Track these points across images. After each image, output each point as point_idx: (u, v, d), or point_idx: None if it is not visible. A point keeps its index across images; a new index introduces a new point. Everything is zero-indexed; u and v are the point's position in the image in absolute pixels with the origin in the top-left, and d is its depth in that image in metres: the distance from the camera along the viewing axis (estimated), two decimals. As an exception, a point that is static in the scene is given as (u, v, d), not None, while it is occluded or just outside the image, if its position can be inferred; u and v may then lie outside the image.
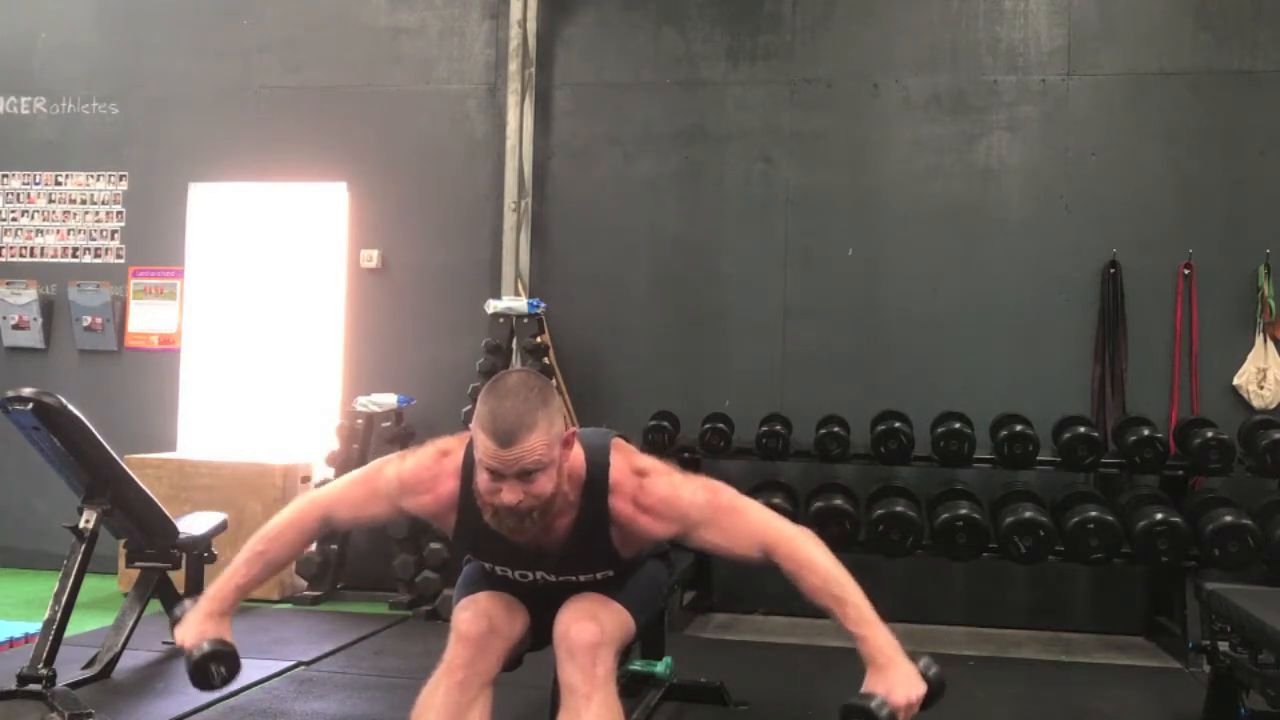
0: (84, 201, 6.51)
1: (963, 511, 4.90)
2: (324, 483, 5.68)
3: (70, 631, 3.82)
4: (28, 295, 6.44)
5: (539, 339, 5.70)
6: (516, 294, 5.88)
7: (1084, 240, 5.62)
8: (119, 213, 6.47)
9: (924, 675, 2.17)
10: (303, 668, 4.31)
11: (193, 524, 4.50)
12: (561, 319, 5.99)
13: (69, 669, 3.84)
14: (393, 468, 2.53)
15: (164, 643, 4.50)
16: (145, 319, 6.39)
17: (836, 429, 5.32)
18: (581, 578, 2.56)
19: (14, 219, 6.58)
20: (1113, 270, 5.57)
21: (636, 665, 3.46)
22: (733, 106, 5.96)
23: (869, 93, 5.86)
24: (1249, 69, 5.56)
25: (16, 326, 6.45)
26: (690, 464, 5.49)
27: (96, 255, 6.48)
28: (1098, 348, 5.58)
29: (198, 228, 6.41)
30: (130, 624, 4.15)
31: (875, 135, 5.85)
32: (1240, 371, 5.47)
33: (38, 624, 3.77)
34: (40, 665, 3.53)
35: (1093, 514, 4.81)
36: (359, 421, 5.79)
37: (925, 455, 5.28)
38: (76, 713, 3.41)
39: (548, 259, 6.08)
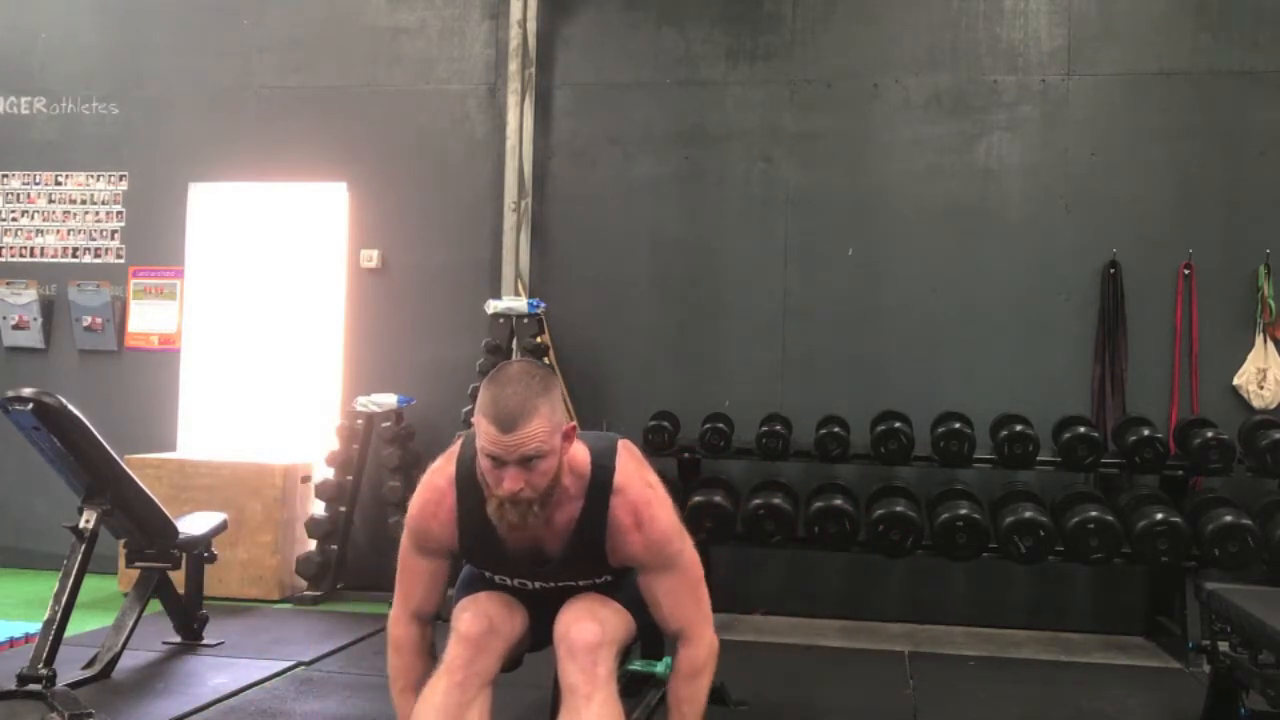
0: (84, 201, 6.51)
1: (963, 511, 4.90)
2: (324, 483, 5.72)
3: (70, 631, 3.82)
4: (28, 295, 6.44)
5: (539, 339, 5.70)
6: (516, 294, 5.88)
7: (1084, 240, 5.62)
8: (119, 213, 6.47)
9: None
10: (303, 668, 4.31)
11: (193, 524, 4.50)
12: (561, 319, 5.99)
13: (69, 669, 3.84)
14: (404, 529, 2.58)
15: (164, 642, 4.50)
16: (145, 319, 6.39)
17: (836, 429, 5.31)
18: (580, 583, 2.57)
19: (14, 219, 6.58)
20: (1113, 270, 5.57)
21: (636, 665, 3.46)
22: (733, 106, 5.96)
23: (869, 93, 5.86)
24: (1249, 69, 5.56)
25: (16, 326, 6.45)
26: (690, 464, 5.50)
27: (96, 255, 6.48)
28: (1098, 348, 5.59)
29: (198, 228, 6.41)
30: (130, 624, 4.15)
31: (875, 135, 5.85)
32: (1240, 371, 5.48)
33: (38, 624, 3.77)
34: (40, 665, 3.53)
35: (1093, 514, 4.81)
36: (359, 421, 5.79)
37: (925, 455, 5.28)
38: (76, 713, 3.41)
39: (548, 259, 6.08)
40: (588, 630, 2.42)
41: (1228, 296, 5.52)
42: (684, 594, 2.51)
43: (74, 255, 6.50)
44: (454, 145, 6.18)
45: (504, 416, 2.23)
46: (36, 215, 6.55)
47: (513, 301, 5.68)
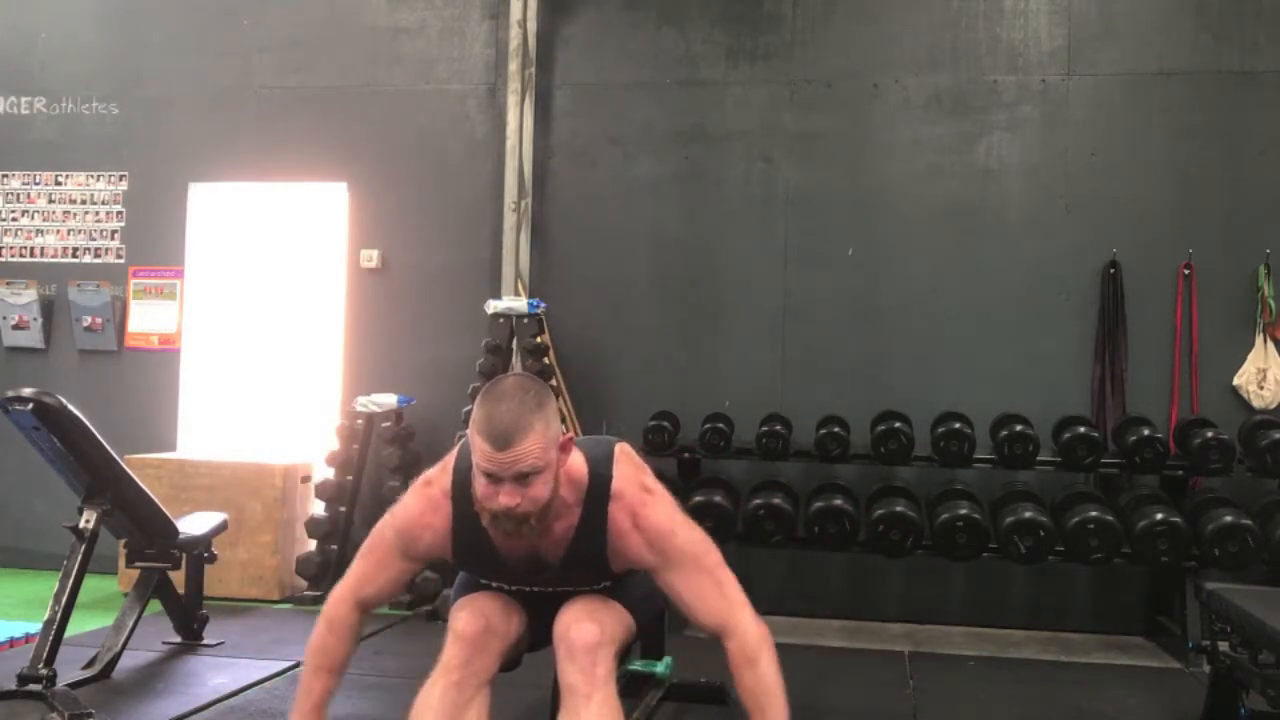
0: (84, 201, 6.51)
1: (963, 511, 4.90)
2: (324, 483, 5.72)
3: (70, 631, 3.82)
4: (28, 295, 6.44)
5: (539, 339, 5.70)
6: (516, 294, 5.88)
7: (1084, 240, 5.62)
8: (119, 213, 6.47)
9: None
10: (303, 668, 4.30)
11: (193, 524, 4.50)
12: (561, 319, 5.99)
13: (69, 669, 3.84)
14: (389, 525, 2.54)
15: (164, 642, 4.50)
16: (145, 319, 6.39)
17: (836, 429, 5.31)
18: (579, 588, 2.56)
19: (14, 219, 6.58)
20: (1113, 270, 5.57)
21: (636, 665, 3.46)
22: (733, 106, 5.96)
23: (869, 93, 5.86)
24: (1249, 69, 5.56)
25: (16, 326, 6.45)
26: (690, 464, 5.49)
27: (96, 255, 6.48)
28: (1098, 348, 5.58)
29: (198, 228, 6.41)
30: (130, 624, 4.15)
31: (875, 135, 5.85)
32: (1240, 371, 5.47)
33: (38, 624, 3.77)
34: (40, 665, 3.53)
35: (1093, 514, 4.81)
36: (359, 421, 5.79)
37: (925, 455, 5.28)
38: (76, 713, 3.41)
39: (548, 259, 6.08)
40: (587, 630, 2.41)
41: (1228, 296, 5.52)
42: (705, 585, 2.41)
43: (74, 255, 6.50)
44: (454, 145, 6.18)
45: (498, 434, 2.21)
46: (36, 215, 6.56)
47: (513, 301, 5.68)
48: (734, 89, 5.97)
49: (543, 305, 5.81)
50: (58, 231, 6.53)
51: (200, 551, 4.49)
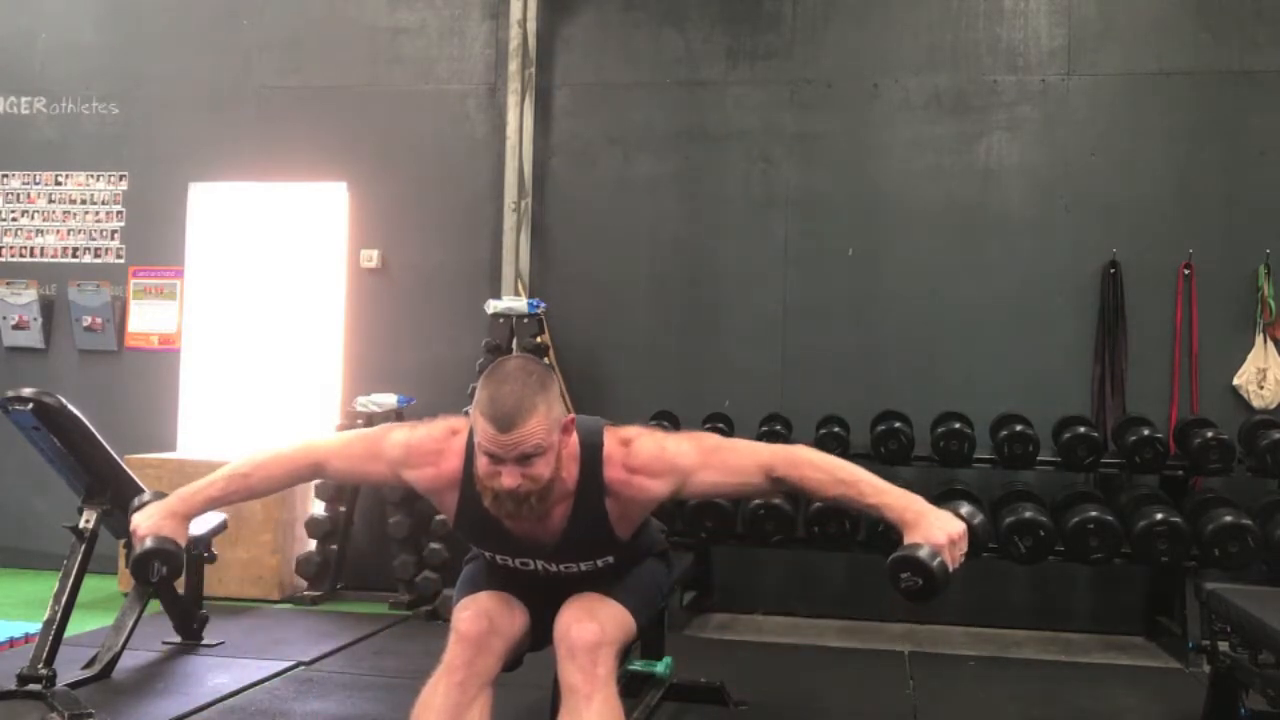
0: (84, 201, 6.51)
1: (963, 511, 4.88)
2: (324, 483, 5.72)
3: (70, 631, 3.82)
4: (28, 295, 6.44)
5: (539, 339, 5.70)
6: (516, 294, 5.88)
7: (1084, 240, 5.62)
8: (119, 213, 6.47)
9: (958, 515, 2.18)
10: (303, 668, 4.31)
11: (193, 524, 4.48)
12: (561, 319, 5.99)
13: (69, 669, 3.84)
14: (401, 434, 2.53)
15: (164, 642, 4.50)
16: (145, 319, 6.39)
17: (836, 429, 5.32)
18: (582, 565, 2.56)
19: (14, 219, 6.58)
20: (1113, 270, 5.57)
21: (636, 665, 3.46)
22: (733, 106, 5.96)
23: (869, 93, 5.86)
24: (1249, 69, 5.56)
25: (16, 326, 6.45)
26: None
27: (96, 255, 6.48)
28: (1098, 348, 5.59)
29: (198, 228, 6.41)
30: (130, 624, 4.15)
31: (875, 135, 5.85)
32: (1240, 371, 5.47)
33: (38, 624, 3.77)
34: (40, 665, 3.53)
35: (1093, 514, 4.81)
36: (359, 421, 5.78)
37: (925, 455, 5.28)
38: (76, 713, 3.41)
39: (548, 259, 6.08)
40: (587, 630, 2.41)
41: (1228, 296, 5.52)
42: (723, 462, 2.45)
43: (74, 255, 6.50)
44: (454, 145, 6.18)
45: (501, 415, 2.22)
46: (36, 215, 6.56)
47: (513, 301, 5.68)
48: (734, 89, 5.97)
49: (543, 305, 5.81)
50: (58, 231, 6.53)
51: (200, 551, 4.49)
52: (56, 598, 3.69)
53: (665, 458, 2.44)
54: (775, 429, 5.32)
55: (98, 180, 6.50)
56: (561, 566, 2.55)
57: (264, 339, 6.32)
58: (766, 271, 5.87)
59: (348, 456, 2.55)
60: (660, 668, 3.52)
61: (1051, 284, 5.65)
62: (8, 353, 6.48)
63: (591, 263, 6.03)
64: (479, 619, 2.48)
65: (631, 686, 3.37)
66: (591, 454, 2.44)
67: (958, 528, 2.18)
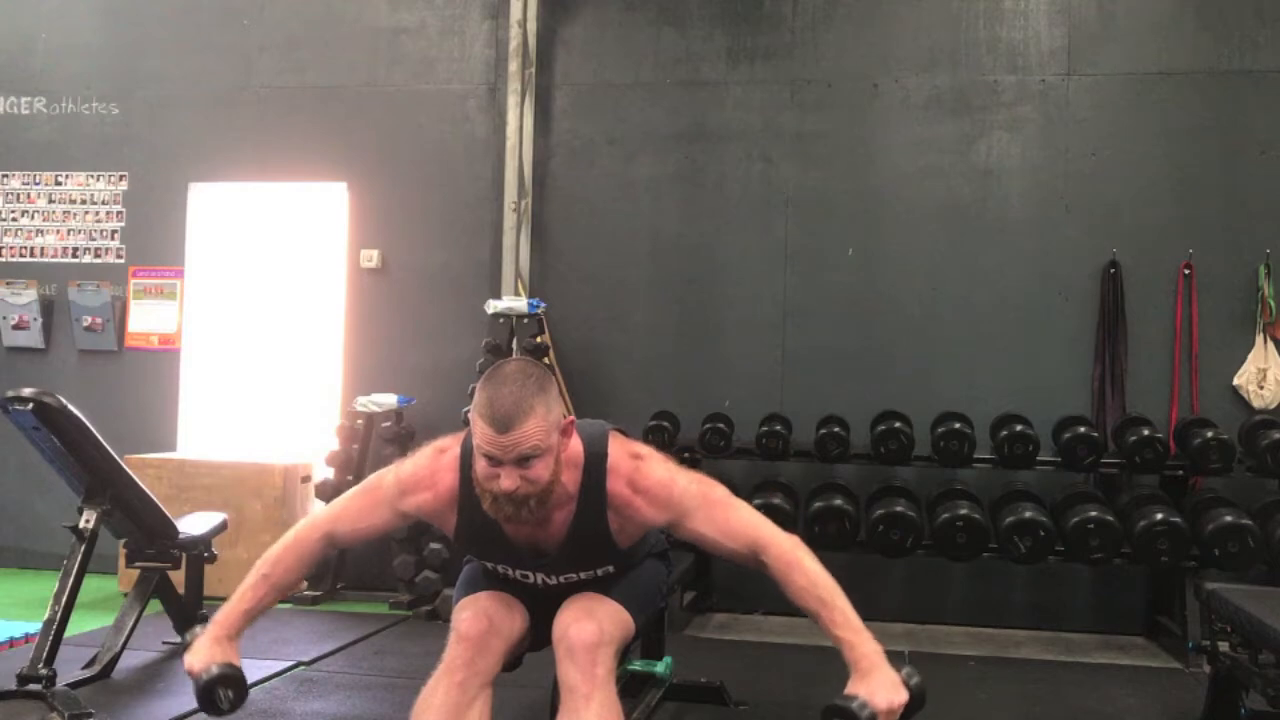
0: (84, 201, 6.51)
1: (963, 511, 4.90)
2: (324, 483, 5.72)
3: (70, 631, 3.82)
4: (28, 295, 6.44)
5: (539, 339, 5.70)
6: (516, 294, 5.88)
7: (1084, 240, 5.62)
8: (119, 213, 6.47)
9: (906, 684, 2.17)
10: (303, 668, 4.31)
11: (193, 524, 4.49)
12: (561, 319, 5.99)
13: (69, 669, 3.84)
14: (390, 474, 2.53)
15: (164, 642, 4.50)
16: (145, 319, 6.39)
17: (836, 429, 5.32)
18: (582, 575, 2.55)
19: (14, 219, 6.58)
20: (1113, 270, 5.57)
21: (636, 665, 3.46)
22: (733, 106, 5.96)
23: (869, 93, 5.86)
24: (1249, 69, 5.56)
25: (16, 326, 6.45)
26: (690, 464, 5.48)
27: (96, 255, 6.48)
28: (1098, 348, 5.58)
29: (198, 228, 6.41)
30: (130, 624, 4.15)
31: (875, 135, 5.85)
32: (1240, 371, 5.48)
33: (38, 624, 3.77)
34: (40, 665, 3.53)
35: (1093, 514, 4.81)
36: (359, 421, 5.79)
37: (925, 455, 5.28)
38: (76, 713, 3.41)
39: (548, 259, 6.08)
40: (586, 630, 2.41)
41: (1228, 296, 5.52)
42: (722, 519, 2.43)
43: (74, 255, 6.50)
44: (454, 145, 6.18)
45: (500, 416, 2.22)
46: (36, 215, 6.56)
47: (513, 301, 5.67)
48: (734, 89, 5.97)
49: (543, 305, 5.81)
50: (58, 231, 6.53)
51: (200, 551, 4.49)
52: (56, 598, 3.68)
53: (672, 492, 2.42)
54: (775, 429, 5.32)
55: (98, 180, 6.50)
56: (562, 578, 2.55)
57: (264, 339, 6.32)
58: (766, 271, 5.87)
59: (350, 516, 2.54)
60: (660, 668, 3.52)
61: (1051, 284, 5.65)
62: (8, 353, 6.48)
63: (591, 263, 6.03)
64: (479, 619, 2.48)
65: (631, 686, 3.38)
66: (595, 463, 2.43)
67: (899, 699, 2.14)
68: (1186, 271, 5.54)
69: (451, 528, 2.52)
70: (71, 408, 3.73)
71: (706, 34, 6.00)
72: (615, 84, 6.07)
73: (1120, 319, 5.55)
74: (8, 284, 6.47)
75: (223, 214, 6.41)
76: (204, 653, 2.38)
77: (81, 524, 3.82)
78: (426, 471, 2.48)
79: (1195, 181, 5.57)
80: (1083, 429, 5.16)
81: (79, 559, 3.75)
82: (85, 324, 6.40)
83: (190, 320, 6.38)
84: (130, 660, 4.18)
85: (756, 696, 3.99)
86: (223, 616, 2.45)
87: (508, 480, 2.24)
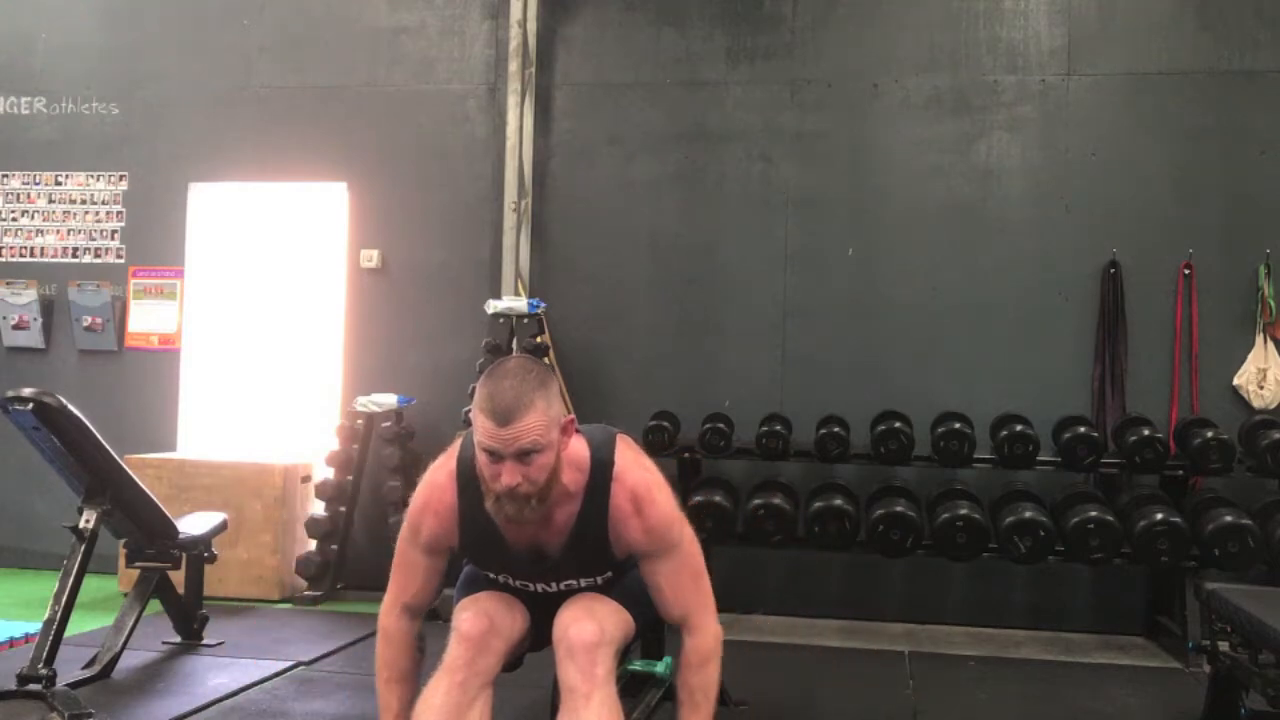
0: (84, 201, 6.51)
1: (963, 511, 4.89)
2: (324, 483, 5.72)
3: (70, 631, 3.82)
4: (28, 295, 6.44)
5: (539, 339, 5.70)
6: (516, 294, 5.88)
7: (1084, 240, 5.62)
8: (119, 213, 6.47)
9: None
10: (303, 668, 4.31)
11: (193, 524, 4.50)
12: (561, 319, 5.99)
13: (69, 669, 3.85)
14: (404, 523, 2.57)
15: (164, 642, 4.50)
16: (145, 319, 6.39)
17: (836, 429, 5.31)
18: (582, 582, 2.56)
19: (14, 219, 6.58)
20: (1113, 270, 5.57)
21: (636, 665, 3.46)
22: (733, 106, 5.96)
23: (869, 93, 5.86)
24: (1249, 69, 5.56)
25: (16, 326, 6.45)
26: (690, 464, 5.49)
27: (96, 255, 6.48)
28: (1098, 348, 5.58)
29: (198, 228, 6.41)
30: (130, 624, 4.15)
31: (875, 135, 5.85)
32: (1240, 371, 5.48)
33: (38, 624, 3.77)
34: (40, 665, 3.53)
35: (1093, 514, 4.81)
36: (359, 421, 5.79)
37: (925, 455, 5.27)
38: (76, 713, 3.41)
39: (548, 259, 6.08)
40: (586, 630, 2.42)
41: (1228, 296, 5.52)
42: (685, 580, 2.50)
43: (74, 255, 6.50)
44: (454, 145, 6.18)
45: (500, 410, 2.23)
46: (36, 215, 6.55)
47: (513, 301, 5.68)
48: (734, 89, 5.97)
49: (543, 305, 5.81)
50: (58, 231, 6.53)
51: (200, 551, 4.49)
52: (56, 598, 3.68)
53: (669, 533, 2.48)
54: (775, 429, 5.32)
55: (98, 180, 6.50)
56: (562, 584, 2.56)
57: (264, 339, 6.32)
58: (766, 271, 5.87)
59: (403, 583, 2.57)
60: (660, 668, 3.51)
61: (1051, 284, 5.65)
62: (8, 353, 6.48)
63: (591, 263, 6.03)
64: (479, 619, 2.49)
65: (631, 686, 3.37)
66: (601, 465, 2.44)
67: None
68: (1186, 271, 5.54)
69: (454, 534, 2.53)
70: (71, 408, 3.73)
71: (706, 34, 6.00)
72: (615, 84, 6.07)
73: (1120, 319, 5.55)
74: (8, 284, 6.47)
75: (223, 214, 6.41)
76: None
77: (81, 524, 3.82)
78: (424, 498, 2.51)
79: (1195, 181, 5.57)
80: (1083, 429, 5.16)
81: (79, 559, 3.75)
82: (85, 324, 6.40)
83: (190, 320, 6.38)
84: (130, 660, 4.18)
85: (756, 696, 3.99)
86: None
87: (509, 475, 2.25)
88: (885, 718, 3.94)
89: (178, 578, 4.48)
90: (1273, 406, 5.41)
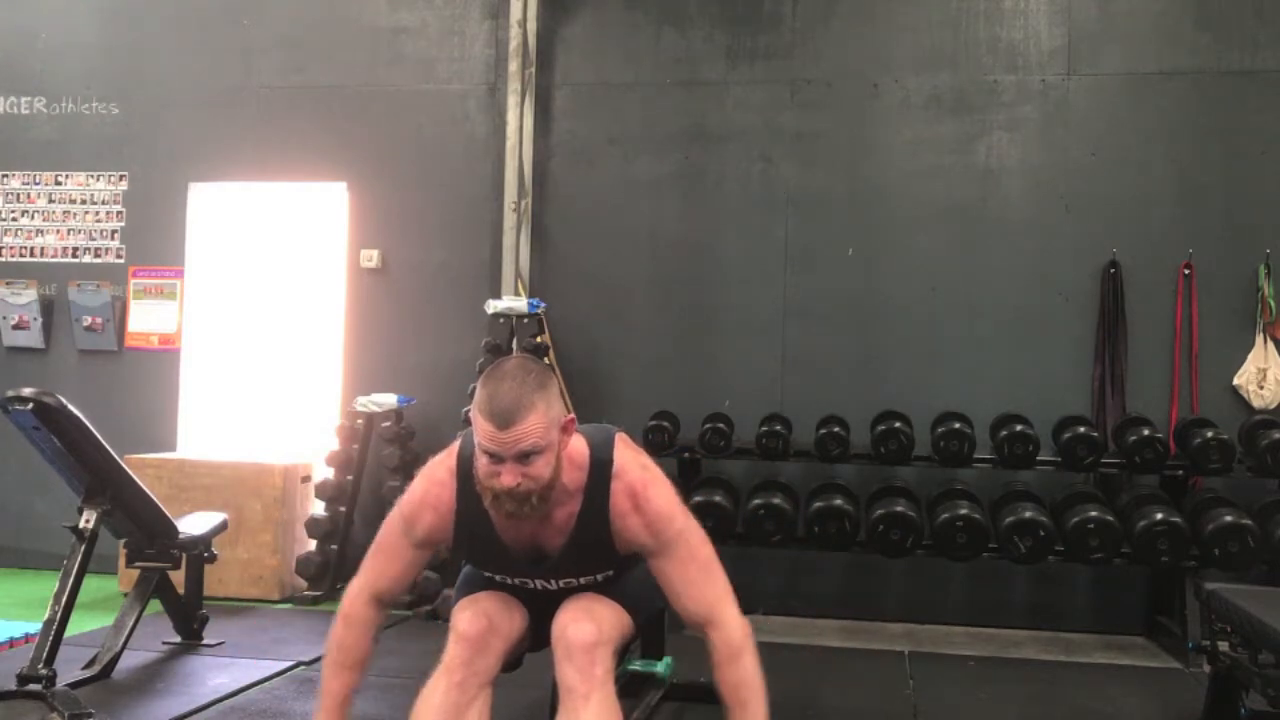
0: (84, 201, 6.51)
1: (963, 511, 4.90)
2: (324, 483, 5.73)
3: (70, 631, 3.82)
4: (28, 295, 6.44)
5: (539, 339, 5.70)
6: (516, 294, 5.88)
7: (1084, 240, 5.62)
8: (119, 213, 6.47)
9: None
10: (303, 668, 4.31)
11: (193, 524, 4.50)
12: (561, 319, 5.99)
13: (69, 669, 3.84)
14: (396, 513, 2.54)
15: (164, 642, 4.50)
16: (145, 319, 6.39)
17: (836, 429, 5.31)
18: (581, 579, 2.56)
19: (14, 219, 6.58)
20: (1113, 270, 5.57)
21: (636, 665, 3.46)
22: (733, 106, 5.96)
23: (869, 93, 5.86)
24: (1249, 69, 5.56)
25: (16, 326, 6.45)
26: (690, 464, 5.49)
27: (96, 255, 6.48)
28: (1098, 348, 5.58)
29: (198, 228, 6.41)
30: (130, 624, 4.15)
31: (875, 135, 5.85)
32: (1240, 371, 5.47)
33: (38, 624, 3.77)
34: (40, 665, 3.53)
35: (1093, 514, 4.81)
36: (359, 421, 5.79)
37: (925, 455, 5.27)
38: (76, 713, 3.41)
39: (548, 259, 6.08)
40: (585, 630, 2.41)
41: (1228, 296, 5.52)
42: (696, 574, 2.42)
43: (74, 255, 6.50)
44: (454, 145, 6.18)
45: (500, 412, 2.22)
46: (36, 215, 6.56)
47: (513, 301, 5.68)
48: (734, 89, 5.97)
49: (543, 305, 5.81)
50: (58, 231, 6.53)
51: (200, 551, 4.49)
52: (56, 598, 3.68)
53: (668, 523, 2.43)
54: (775, 429, 5.32)
55: (98, 180, 6.50)
56: (561, 583, 2.55)
57: (264, 339, 6.32)
58: (766, 271, 5.87)
59: (379, 569, 2.54)
60: (660, 668, 3.51)
61: (1051, 284, 5.65)
62: (8, 353, 6.48)
63: (591, 263, 6.03)
64: (479, 619, 2.48)
65: (631, 686, 3.37)
66: (600, 464, 2.43)
67: None
68: (1186, 271, 5.54)
69: (450, 532, 2.52)
70: (71, 408, 3.73)
71: (706, 34, 6.00)
72: (615, 84, 6.07)
73: (1120, 319, 5.55)
74: (8, 284, 6.47)
75: (223, 214, 6.41)
76: None
77: (81, 524, 3.82)
78: (422, 492, 2.50)
79: (1195, 181, 5.57)
80: (1083, 429, 5.15)
81: (79, 559, 3.75)
82: (85, 324, 6.40)
83: (190, 320, 6.38)
84: (130, 660, 4.18)
85: (756, 696, 3.98)
86: (323, 715, 2.46)
87: (509, 476, 2.25)
88: (885, 718, 3.94)
89: (178, 578, 4.48)
90: (1273, 406, 5.41)
